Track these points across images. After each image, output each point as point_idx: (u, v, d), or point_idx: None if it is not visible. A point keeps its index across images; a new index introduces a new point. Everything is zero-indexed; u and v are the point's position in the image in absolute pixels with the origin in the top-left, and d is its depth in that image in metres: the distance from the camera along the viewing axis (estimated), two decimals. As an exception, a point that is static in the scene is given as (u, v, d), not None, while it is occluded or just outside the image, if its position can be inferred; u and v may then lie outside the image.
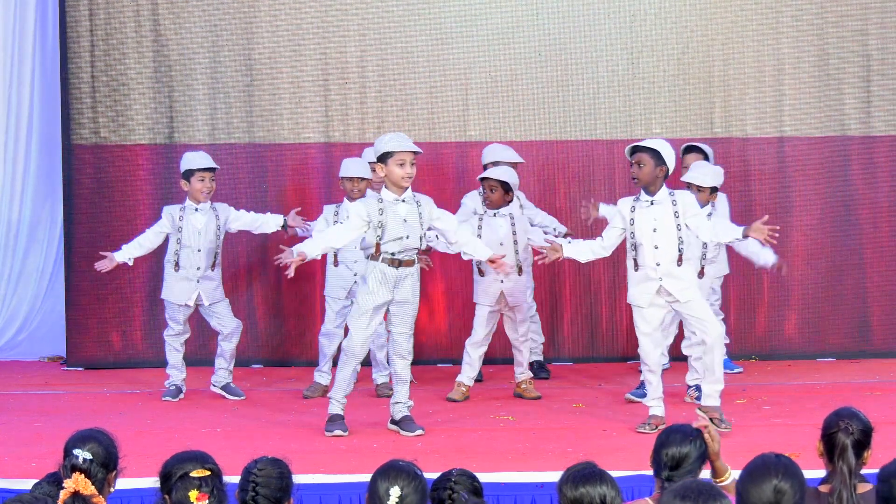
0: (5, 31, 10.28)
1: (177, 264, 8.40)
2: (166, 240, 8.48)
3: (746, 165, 9.67)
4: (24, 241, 10.42)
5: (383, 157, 7.17)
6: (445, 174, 9.67)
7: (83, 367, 9.73)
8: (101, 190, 9.75)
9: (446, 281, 9.63)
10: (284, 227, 8.53)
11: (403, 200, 7.21)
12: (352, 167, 8.51)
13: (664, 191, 7.28)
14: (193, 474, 3.86)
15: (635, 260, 7.28)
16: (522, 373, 8.46)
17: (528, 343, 8.48)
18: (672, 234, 7.23)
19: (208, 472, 3.89)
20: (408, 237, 7.18)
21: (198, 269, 8.37)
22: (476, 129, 9.71)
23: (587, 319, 9.77)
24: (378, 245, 7.17)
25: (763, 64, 9.68)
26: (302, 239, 7.95)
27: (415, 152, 7.20)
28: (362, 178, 8.44)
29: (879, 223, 9.72)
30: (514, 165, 8.82)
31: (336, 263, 8.55)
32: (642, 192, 7.30)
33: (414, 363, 7.55)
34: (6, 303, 10.39)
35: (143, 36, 9.70)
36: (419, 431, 7.25)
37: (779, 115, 9.69)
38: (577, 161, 9.72)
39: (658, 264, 7.22)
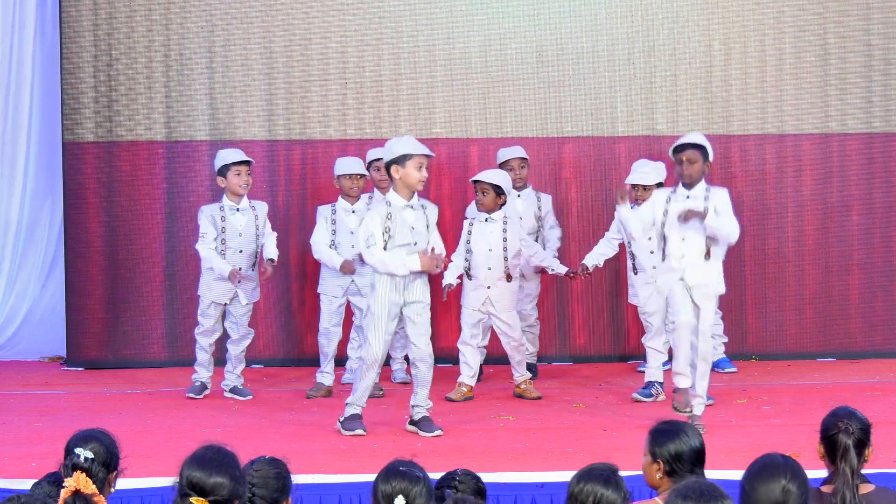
0: (4, 30, 10.28)
1: None
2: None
3: (747, 164, 9.67)
4: (24, 239, 10.41)
5: (401, 160, 7.15)
6: (445, 172, 9.67)
7: (83, 367, 9.72)
8: (101, 188, 9.74)
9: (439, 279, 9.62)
10: (270, 261, 8.37)
11: (411, 207, 7.20)
12: (350, 164, 8.54)
13: (702, 185, 7.23)
14: (193, 501, 3.74)
15: (664, 251, 7.27)
16: (521, 375, 8.45)
17: (521, 347, 8.46)
18: (699, 226, 7.15)
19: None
20: (416, 244, 7.17)
21: (240, 269, 8.30)
22: (476, 127, 9.71)
23: (590, 319, 9.76)
24: (385, 250, 7.16)
25: (764, 62, 9.68)
26: None
27: (430, 156, 7.22)
28: (361, 175, 8.50)
29: (881, 222, 9.71)
30: (524, 162, 8.86)
31: None
32: (681, 185, 7.25)
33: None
34: (6, 302, 10.38)
35: (142, 33, 9.70)
36: (438, 432, 7.21)
37: (779, 113, 9.69)
38: (576, 159, 9.72)
39: (683, 256, 7.19)
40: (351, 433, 7.21)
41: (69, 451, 4.09)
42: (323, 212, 8.60)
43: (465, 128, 9.72)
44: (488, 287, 8.33)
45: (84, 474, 3.95)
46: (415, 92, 9.72)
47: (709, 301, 7.21)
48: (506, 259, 8.33)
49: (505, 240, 8.35)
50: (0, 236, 10.37)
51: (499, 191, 8.31)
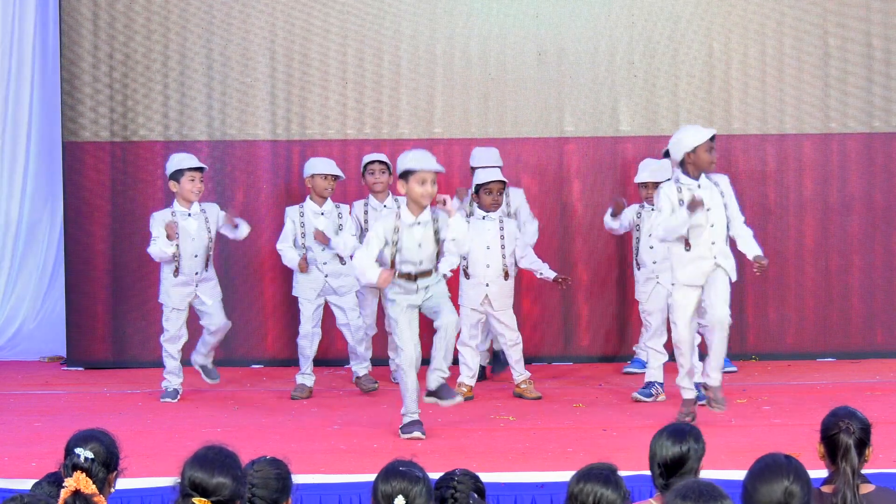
0: (4, 30, 10.28)
1: (176, 270, 8.36)
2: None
3: (747, 164, 9.67)
4: (24, 240, 10.41)
5: (405, 175, 7.16)
6: (446, 171, 9.66)
7: (83, 367, 9.73)
8: (101, 188, 9.75)
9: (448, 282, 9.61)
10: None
11: (419, 223, 7.18)
12: (325, 165, 8.58)
13: (704, 176, 7.37)
14: (196, 502, 3.73)
15: (687, 240, 7.31)
16: (520, 374, 8.45)
17: (518, 346, 8.45)
18: (721, 213, 7.33)
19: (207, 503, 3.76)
20: (421, 262, 7.17)
21: (196, 273, 8.37)
22: (476, 127, 9.72)
23: (594, 319, 9.76)
24: (393, 262, 7.18)
25: (764, 63, 9.68)
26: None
27: (436, 171, 7.18)
28: (335, 176, 8.54)
29: (881, 222, 9.72)
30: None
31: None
32: (682, 175, 7.31)
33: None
34: (6, 302, 10.39)
35: (142, 34, 9.70)
36: (458, 398, 7.23)
37: (780, 113, 9.69)
38: (578, 160, 9.72)
39: (713, 243, 7.30)
40: (409, 436, 7.14)
41: (69, 451, 4.09)
42: (290, 213, 8.62)
43: (466, 128, 9.71)
44: (487, 285, 8.34)
45: (84, 474, 3.95)
46: (415, 92, 9.72)
47: (725, 282, 7.36)
48: (503, 257, 8.35)
49: (502, 237, 8.36)
50: (0, 236, 10.38)
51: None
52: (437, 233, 7.18)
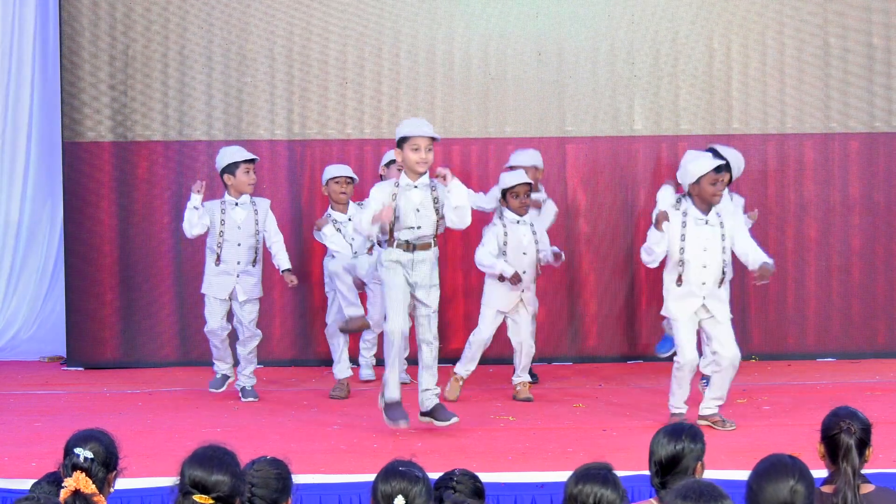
0: (4, 30, 10.28)
1: (218, 258, 8.33)
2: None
3: (748, 164, 9.65)
4: (24, 241, 10.41)
5: (400, 143, 7.14)
6: (451, 171, 9.65)
7: (83, 367, 9.72)
8: (101, 188, 9.75)
9: (448, 281, 9.62)
10: (287, 271, 8.47)
11: (416, 187, 7.15)
12: (338, 168, 8.58)
13: (714, 210, 7.23)
14: (196, 499, 3.73)
15: (680, 275, 7.24)
16: (518, 377, 8.39)
17: (530, 352, 8.40)
18: (719, 256, 7.20)
19: (211, 502, 3.77)
20: (419, 227, 7.14)
21: (238, 263, 8.32)
22: (476, 127, 9.72)
23: (599, 319, 9.76)
24: (391, 231, 7.14)
25: (765, 62, 9.68)
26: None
27: (431, 138, 7.12)
28: (349, 181, 8.53)
29: (882, 222, 9.72)
30: (536, 172, 8.77)
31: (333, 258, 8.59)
32: (694, 208, 7.21)
33: (409, 361, 7.54)
34: (6, 303, 10.38)
35: (142, 32, 9.70)
36: (454, 419, 7.13)
37: (781, 113, 9.69)
38: (578, 159, 9.72)
39: (703, 283, 7.21)
40: (393, 424, 7.09)
41: (69, 451, 4.09)
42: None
43: (466, 128, 9.71)
44: (523, 291, 8.28)
45: (83, 474, 3.96)
46: (415, 92, 9.72)
47: (728, 315, 7.29)
48: (538, 261, 8.31)
49: (536, 242, 8.30)
50: (1, 237, 10.38)
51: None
52: (436, 200, 7.15)
